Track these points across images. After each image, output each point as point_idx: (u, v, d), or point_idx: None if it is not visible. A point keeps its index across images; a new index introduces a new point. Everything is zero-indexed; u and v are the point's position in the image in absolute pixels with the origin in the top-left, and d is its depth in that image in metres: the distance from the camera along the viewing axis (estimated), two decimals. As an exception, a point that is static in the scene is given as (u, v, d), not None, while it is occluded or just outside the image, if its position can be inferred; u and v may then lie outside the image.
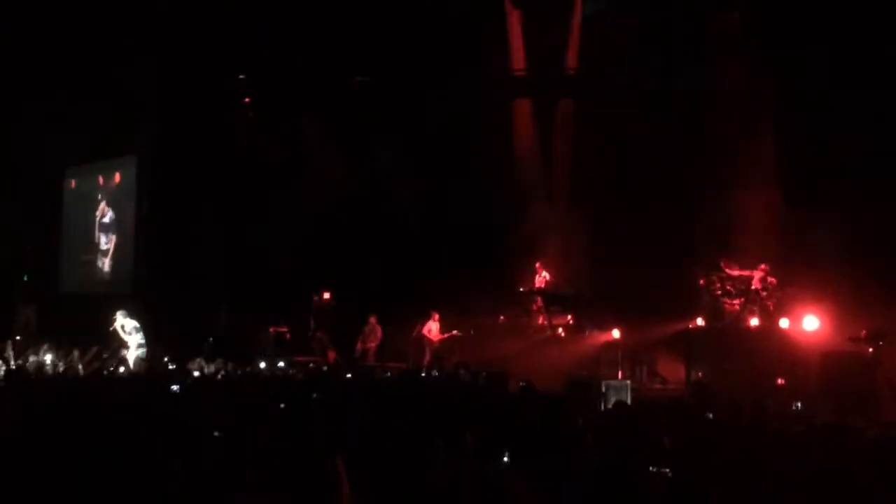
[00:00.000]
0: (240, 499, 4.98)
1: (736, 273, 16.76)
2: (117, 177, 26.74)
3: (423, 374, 15.52)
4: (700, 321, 16.85)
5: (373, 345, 20.35)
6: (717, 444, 7.01)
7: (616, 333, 17.14)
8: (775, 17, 17.16)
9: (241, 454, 5.63)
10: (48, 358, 17.10)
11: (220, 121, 23.30)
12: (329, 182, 22.85)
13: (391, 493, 5.10)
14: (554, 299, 18.93)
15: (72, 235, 28.23)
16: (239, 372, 15.58)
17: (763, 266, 16.26)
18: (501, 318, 19.80)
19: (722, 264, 16.87)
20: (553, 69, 20.98)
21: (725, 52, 18.25)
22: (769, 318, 15.94)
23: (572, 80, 20.72)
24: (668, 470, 5.71)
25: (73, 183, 28.53)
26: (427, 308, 19.66)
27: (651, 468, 5.83)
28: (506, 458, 6.31)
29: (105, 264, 26.78)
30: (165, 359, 17.30)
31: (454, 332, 19.36)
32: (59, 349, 17.57)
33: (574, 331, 18.36)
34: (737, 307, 16.67)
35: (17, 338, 19.37)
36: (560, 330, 18.52)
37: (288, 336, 21.50)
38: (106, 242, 26.75)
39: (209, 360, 16.80)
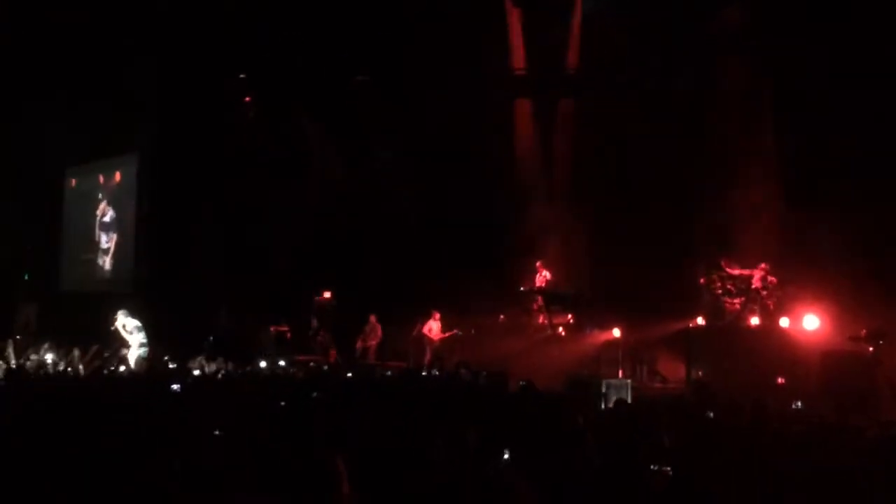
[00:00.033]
0: (240, 499, 4.98)
1: (736, 272, 16.77)
2: (118, 176, 26.75)
3: (423, 374, 15.51)
4: (700, 320, 16.85)
5: (373, 344, 20.35)
6: (717, 443, 7.01)
7: (616, 332, 17.14)
8: (775, 16, 17.15)
9: (242, 454, 5.64)
10: (49, 357, 17.10)
11: (221, 120, 23.31)
12: (329, 182, 22.85)
13: (391, 493, 5.10)
14: (554, 298, 18.92)
15: (72, 234, 28.23)
16: (239, 371, 15.59)
17: (763, 265, 16.27)
18: (502, 317, 19.80)
19: (722, 263, 16.88)
20: (553, 69, 20.97)
21: (725, 52, 18.25)
22: (769, 317, 15.95)
23: (572, 79, 20.71)
24: (669, 468, 5.71)
25: (74, 182, 28.54)
26: (427, 307, 19.67)
27: (652, 467, 5.83)
28: (506, 457, 6.32)
29: (106, 263, 26.79)
30: (166, 358, 17.31)
31: (455, 331, 19.35)
32: (60, 348, 17.56)
33: (574, 330, 18.37)
34: (737, 306, 16.68)
35: (18, 337, 19.36)
36: (560, 329, 18.52)
37: (288, 335, 21.50)
38: (107, 241, 26.75)
39: (210, 359, 16.81)
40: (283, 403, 9.24)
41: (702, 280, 17.14)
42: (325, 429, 6.94)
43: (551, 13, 20.78)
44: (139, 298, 21.82)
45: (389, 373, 15.79)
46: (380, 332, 20.41)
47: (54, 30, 23.00)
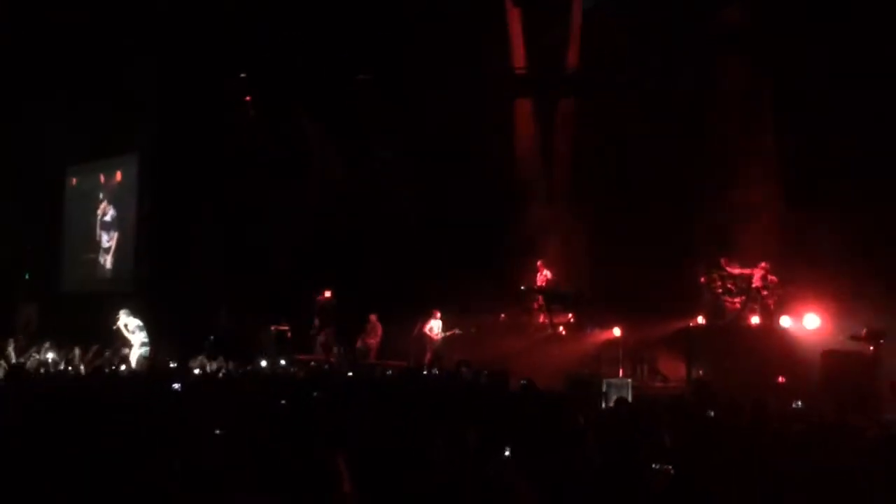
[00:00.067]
0: (240, 499, 4.98)
1: (737, 271, 16.78)
2: (119, 175, 26.77)
3: (424, 373, 15.51)
4: (701, 319, 16.87)
5: (373, 343, 20.35)
6: (717, 443, 7.01)
7: (617, 332, 17.15)
8: (775, 16, 17.14)
9: (242, 453, 5.64)
10: (49, 357, 17.12)
11: (221, 120, 23.31)
12: (329, 181, 22.84)
13: (392, 493, 5.11)
14: (555, 298, 18.93)
15: (73, 233, 28.23)
16: (240, 370, 15.60)
17: (764, 264, 16.26)
18: (502, 316, 19.79)
19: (723, 262, 16.89)
20: (553, 69, 20.95)
21: (725, 52, 18.24)
22: (770, 316, 15.95)
23: (572, 79, 20.70)
24: (671, 467, 5.71)
25: (75, 181, 28.54)
26: (428, 306, 19.66)
27: (654, 466, 5.83)
28: (507, 456, 6.32)
29: (107, 262, 26.79)
30: (167, 356, 17.34)
31: (455, 330, 19.35)
32: (61, 348, 17.59)
33: (575, 329, 18.38)
34: (737, 305, 16.69)
35: (19, 337, 19.36)
36: (561, 328, 18.53)
37: (289, 335, 21.51)
38: (108, 240, 26.75)
39: (211, 358, 16.84)
40: (283, 402, 9.25)
41: (702, 279, 17.15)
42: (326, 428, 6.94)
43: (551, 13, 20.76)
44: (140, 298, 21.83)
45: (390, 372, 15.79)
46: (380, 332, 20.40)
47: (54, 30, 23.01)
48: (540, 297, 19.28)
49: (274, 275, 22.50)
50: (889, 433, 8.33)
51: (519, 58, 21.11)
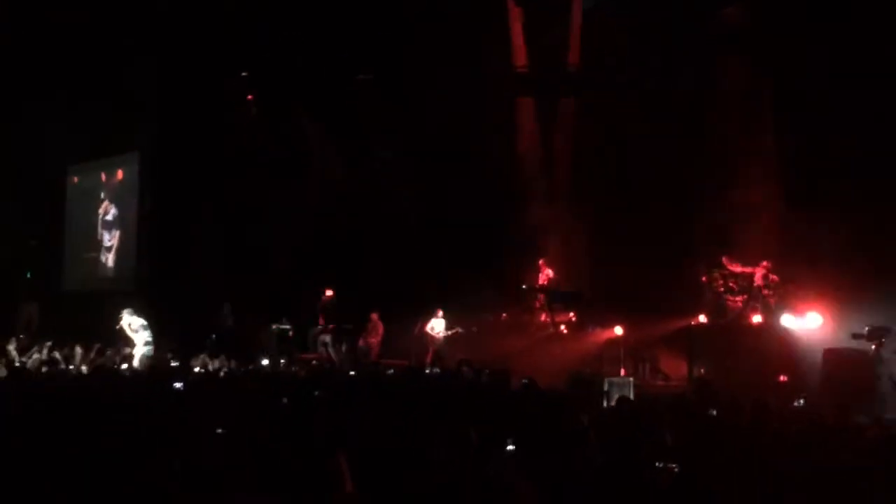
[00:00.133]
0: (240, 499, 4.98)
1: (738, 270, 16.78)
2: (120, 174, 26.78)
3: (426, 372, 15.50)
4: (702, 318, 16.86)
5: (375, 342, 20.34)
6: (719, 441, 7.01)
7: (618, 330, 17.13)
8: (775, 16, 17.13)
9: (243, 453, 5.64)
10: (51, 356, 17.10)
11: (222, 119, 23.31)
12: (329, 181, 22.84)
13: (393, 492, 5.10)
14: (557, 297, 18.93)
15: (74, 232, 28.23)
16: (241, 369, 15.60)
17: (765, 263, 16.27)
18: (504, 315, 19.79)
19: (724, 261, 16.90)
20: (554, 68, 20.95)
21: (725, 52, 18.24)
22: (771, 315, 15.94)
23: (573, 78, 20.69)
24: (675, 466, 5.71)
25: (76, 179, 28.55)
26: (429, 306, 19.65)
27: (657, 464, 5.83)
28: (508, 455, 6.32)
29: (109, 260, 26.80)
30: (169, 355, 17.34)
31: (457, 329, 19.35)
32: (62, 347, 17.58)
33: (576, 328, 18.38)
34: (739, 304, 16.69)
35: (20, 336, 19.36)
36: (563, 327, 18.53)
37: (290, 333, 21.52)
38: (109, 239, 26.76)
39: (212, 357, 16.84)
40: (284, 401, 9.25)
41: (703, 278, 17.16)
42: (327, 427, 6.94)
43: (551, 13, 20.76)
44: (142, 296, 21.83)
45: (391, 371, 15.77)
46: (381, 331, 20.39)
47: (54, 30, 23.00)
48: (541, 296, 19.29)
49: (275, 274, 22.50)
50: (890, 432, 8.33)
51: (519, 57, 21.11)
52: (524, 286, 19.59)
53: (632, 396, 12.87)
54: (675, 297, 17.31)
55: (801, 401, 12.14)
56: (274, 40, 21.99)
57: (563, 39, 20.58)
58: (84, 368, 15.95)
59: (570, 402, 9.31)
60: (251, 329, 21.33)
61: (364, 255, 22.00)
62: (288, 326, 21.52)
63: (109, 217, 26.92)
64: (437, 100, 20.32)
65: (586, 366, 16.13)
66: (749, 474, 5.90)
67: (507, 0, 20.95)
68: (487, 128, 20.62)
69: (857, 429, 8.23)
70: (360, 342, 20.33)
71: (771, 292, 16.15)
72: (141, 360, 17.19)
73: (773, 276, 16.19)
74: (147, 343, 17.92)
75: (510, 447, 6.30)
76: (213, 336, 20.26)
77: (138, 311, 18.37)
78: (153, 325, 18.31)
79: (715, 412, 8.92)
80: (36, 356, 17.10)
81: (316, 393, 10.12)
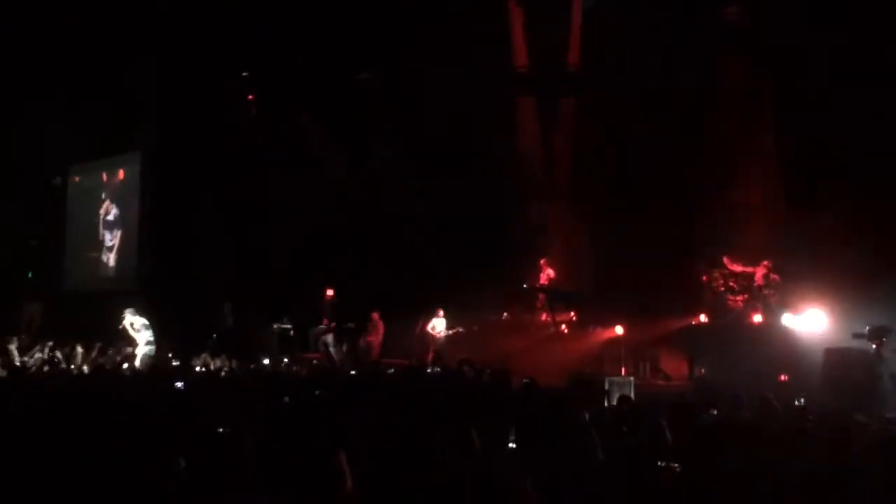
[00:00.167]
0: (240, 499, 4.97)
1: (739, 269, 16.79)
2: (121, 173, 26.81)
3: (427, 371, 15.49)
4: (703, 318, 16.86)
5: (375, 341, 20.34)
6: (719, 441, 7.00)
7: (619, 330, 17.12)
8: (775, 16, 17.11)
9: (244, 452, 5.63)
10: (52, 356, 17.12)
11: (222, 119, 23.31)
12: (329, 181, 22.84)
13: (394, 491, 5.10)
14: (557, 296, 18.92)
15: (75, 231, 28.25)
16: (243, 369, 15.61)
17: (766, 262, 16.27)
18: (505, 315, 19.79)
19: (725, 260, 16.90)
20: (554, 68, 20.93)
21: (725, 52, 18.24)
22: (772, 314, 15.94)
23: (573, 78, 20.68)
24: (676, 465, 5.70)
25: (77, 179, 28.56)
26: (430, 305, 19.65)
27: (659, 463, 5.83)
28: (509, 455, 6.31)
29: (110, 260, 26.83)
30: (170, 355, 17.36)
31: (458, 328, 19.35)
32: (63, 347, 17.59)
33: (577, 328, 18.38)
34: (740, 303, 16.70)
35: (22, 335, 19.36)
36: (563, 327, 18.53)
37: (292, 333, 21.54)
38: (111, 239, 26.79)
39: (214, 356, 16.86)
40: (286, 401, 9.26)
41: (704, 277, 17.16)
42: (328, 426, 6.93)
43: (552, 12, 20.75)
44: (143, 296, 21.83)
45: (392, 371, 15.77)
46: (382, 330, 20.39)
47: (54, 30, 23.00)
48: (542, 296, 19.29)
49: (275, 273, 22.50)
50: (890, 432, 8.32)
51: (520, 57, 21.10)
52: (525, 286, 19.57)
53: (632, 396, 12.86)
54: (675, 296, 17.31)
55: (802, 400, 12.14)
56: (274, 40, 21.97)
57: (564, 39, 20.57)
58: (85, 368, 15.95)
59: (570, 402, 9.30)
60: (252, 328, 21.33)
61: (364, 254, 21.98)
62: (289, 326, 21.55)
63: (111, 217, 26.94)
64: (438, 100, 20.31)
65: (587, 365, 16.13)
66: (750, 473, 5.89)
67: (508, 0, 20.94)
68: (487, 128, 20.61)
69: (858, 428, 8.21)
70: (361, 341, 20.33)
71: (771, 292, 16.15)
72: (142, 360, 17.21)
73: (774, 276, 16.19)
74: (149, 343, 17.94)
75: (511, 446, 6.29)
76: (215, 336, 20.26)
77: (140, 311, 18.38)
78: (154, 325, 18.33)
79: (715, 412, 8.92)
80: (38, 356, 17.13)
81: (317, 392, 10.13)
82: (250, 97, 23.59)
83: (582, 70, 20.43)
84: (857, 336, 13.70)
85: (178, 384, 11.12)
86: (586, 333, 17.95)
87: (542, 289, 19.27)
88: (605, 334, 17.49)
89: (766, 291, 16.18)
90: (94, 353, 17.37)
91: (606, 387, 13.55)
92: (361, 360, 19.09)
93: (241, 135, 23.35)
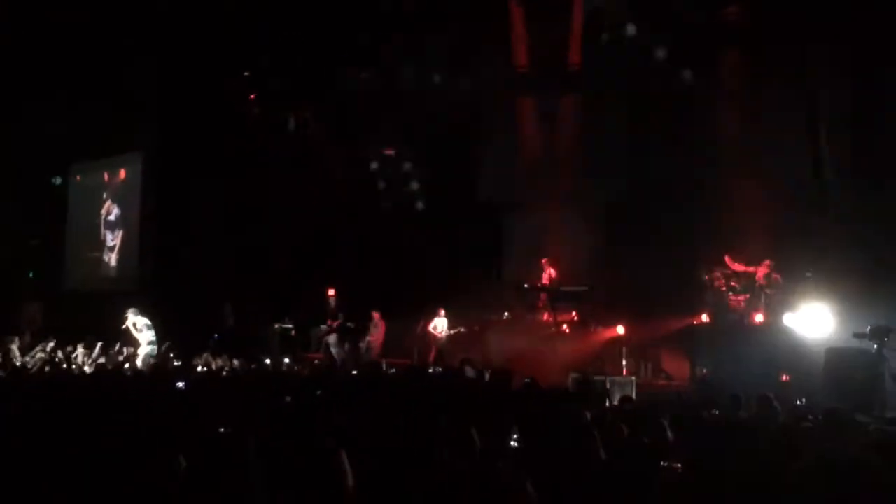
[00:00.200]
0: (241, 498, 4.96)
1: (740, 269, 16.78)
2: (122, 173, 26.81)
3: (430, 371, 15.50)
4: (704, 317, 16.85)
5: (376, 340, 20.34)
6: (721, 440, 6.99)
7: (621, 330, 17.14)
8: (775, 16, 17.10)
9: (245, 452, 5.62)
10: (53, 356, 17.12)
11: (224, 119, 23.29)
12: (330, 181, 22.81)
13: (395, 491, 5.09)
14: (559, 296, 18.92)
15: (76, 231, 28.23)
16: (244, 368, 15.61)
17: (767, 262, 16.25)
18: (506, 314, 19.77)
19: (726, 259, 16.88)
20: (555, 67, 20.91)
21: (726, 50, 18.22)
22: (773, 313, 15.92)
23: (575, 76, 20.67)
24: (677, 465, 5.69)
25: (79, 179, 28.55)
26: (432, 305, 19.64)
27: (662, 463, 5.82)
28: (510, 455, 6.30)
29: (112, 260, 26.83)
30: (171, 355, 17.36)
31: (459, 328, 19.34)
32: (65, 347, 17.60)
33: (579, 327, 18.36)
34: (741, 303, 16.68)
35: (23, 335, 19.37)
36: (565, 326, 18.52)
37: (293, 332, 21.54)
38: (112, 239, 26.79)
39: (215, 356, 16.86)
40: (287, 400, 9.25)
41: (705, 277, 17.14)
42: (329, 426, 6.93)
43: (552, 12, 20.72)
44: (144, 296, 21.83)
45: (393, 370, 15.78)
46: (383, 329, 20.39)
47: (54, 30, 22.99)
48: (543, 296, 19.27)
49: (276, 273, 22.49)
50: (892, 431, 8.32)
51: (521, 56, 21.07)
52: (526, 285, 19.56)
53: (634, 396, 12.87)
54: (677, 296, 17.30)
55: (804, 400, 12.15)
56: (274, 40, 21.96)
57: (564, 39, 20.55)
58: (87, 368, 15.96)
59: (572, 402, 9.30)
60: (253, 328, 21.33)
61: (365, 254, 21.97)
62: (290, 326, 21.55)
63: (112, 217, 26.94)
64: (438, 100, 20.30)
65: (588, 365, 16.13)
66: (752, 473, 5.88)
67: (508, 0, 20.93)
68: (489, 126, 20.59)
69: (861, 427, 8.21)
70: (362, 341, 20.33)
71: (773, 291, 16.13)
72: (144, 360, 17.21)
73: (776, 275, 16.17)
74: (151, 343, 17.95)
75: (512, 446, 6.28)
76: (216, 335, 20.26)
77: (142, 311, 18.39)
78: (156, 325, 18.34)
79: (717, 412, 8.92)
80: (39, 356, 17.14)
81: (318, 392, 10.12)
82: (251, 97, 23.57)
83: (583, 69, 20.39)
84: (858, 336, 13.68)
85: (180, 384, 11.11)
86: (588, 333, 17.94)
87: (544, 288, 19.26)
88: (607, 334, 17.49)
89: (767, 291, 16.17)
90: (95, 354, 17.38)
91: (608, 386, 13.56)
92: (362, 359, 19.08)
93: (242, 135, 23.33)
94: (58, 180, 28.26)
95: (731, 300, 16.83)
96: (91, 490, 5.05)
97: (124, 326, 18.09)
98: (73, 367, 16.32)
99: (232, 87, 23.26)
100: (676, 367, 16.74)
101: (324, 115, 22.84)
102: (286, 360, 18.01)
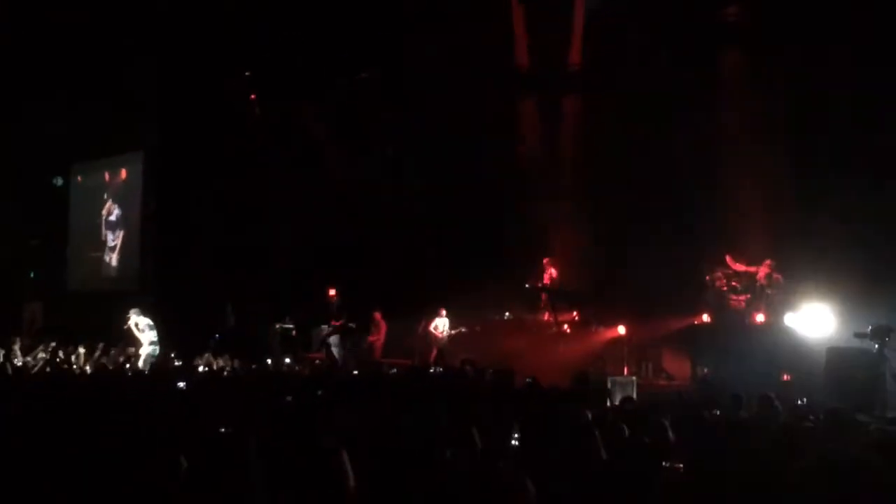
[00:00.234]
0: (242, 498, 4.96)
1: (741, 269, 16.75)
2: (123, 173, 26.84)
3: (431, 371, 15.49)
4: (705, 317, 16.82)
5: (377, 340, 20.34)
6: (721, 440, 6.99)
7: (622, 330, 17.11)
8: (775, 16, 17.09)
9: (246, 452, 5.62)
10: (54, 356, 17.14)
11: (224, 119, 23.29)
12: (331, 180, 22.82)
13: (396, 491, 5.08)
14: (560, 296, 18.91)
15: (77, 231, 28.27)
16: (245, 368, 15.63)
17: (768, 262, 16.23)
18: (507, 314, 19.77)
19: (727, 259, 16.86)
20: (557, 66, 20.91)
21: (726, 50, 18.21)
22: (774, 313, 15.90)
23: (576, 77, 20.66)
24: (679, 465, 5.69)
25: (80, 179, 28.57)
26: (433, 305, 19.64)
27: (663, 463, 5.82)
28: (511, 454, 6.29)
29: (113, 260, 26.86)
30: (172, 355, 17.36)
31: (461, 328, 19.34)
32: (66, 347, 17.60)
33: (580, 327, 18.35)
34: (742, 303, 16.66)
35: (24, 336, 19.39)
36: (566, 326, 18.51)
37: (294, 332, 21.54)
38: (113, 239, 26.83)
39: (216, 356, 16.87)
40: (288, 400, 9.25)
41: (706, 277, 17.13)
42: (330, 426, 6.92)
43: (553, 12, 20.72)
44: (145, 296, 21.85)
45: (394, 370, 15.78)
46: (384, 329, 20.39)
47: (54, 30, 23.00)
48: (545, 296, 19.26)
49: (277, 273, 22.49)
50: (893, 431, 8.30)
51: (522, 55, 21.07)
52: (528, 285, 19.54)
53: (635, 396, 12.85)
54: (677, 296, 17.27)
55: (805, 400, 12.13)
56: (274, 40, 21.96)
57: (565, 39, 20.55)
58: (88, 368, 15.97)
59: (573, 402, 9.29)
60: (254, 328, 21.33)
61: (366, 254, 21.97)
62: (290, 325, 21.54)
63: (113, 217, 26.97)
64: (438, 99, 20.30)
65: (589, 365, 16.08)
66: (752, 471, 5.88)
67: (509, -1, 20.95)
68: (489, 127, 20.58)
69: (861, 426, 8.19)
70: (363, 341, 20.33)
71: (774, 291, 16.11)
72: (146, 360, 17.21)
73: (777, 275, 16.15)
74: (152, 343, 17.94)
75: (513, 445, 6.28)
76: (217, 336, 20.26)
77: (144, 311, 18.39)
78: (157, 325, 18.34)
79: (718, 412, 8.91)
80: (40, 356, 17.15)
81: (319, 392, 10.12)
82: (251, 97, 23.57)
83: (585, 68, 20.39)
84: (859, 335, 13.65)
85: (181, 384, 11.12)
86: (589, 333, 17.93)
87: (545, 288, 19.25)
88: (608, 334, 17.47)
89: (768, 291, 16.14)
90: (96, 354, 17.39)
91: (609, 386, 13.52)
92: (363, 359, 19.08)
93: (242, 135, 23.33)
94: (59, 181, 28.25)
95: (732, 300, 16.81)
96: (92, 490, 5.04)
97: (126, 326, 18.08)
98: (75, 367, 16.32)
99: (232, 87, 23.27)
100: (677, 367, 16.72)
101: (324, 115, 22.83)
102: (287, 360, 18.02)
